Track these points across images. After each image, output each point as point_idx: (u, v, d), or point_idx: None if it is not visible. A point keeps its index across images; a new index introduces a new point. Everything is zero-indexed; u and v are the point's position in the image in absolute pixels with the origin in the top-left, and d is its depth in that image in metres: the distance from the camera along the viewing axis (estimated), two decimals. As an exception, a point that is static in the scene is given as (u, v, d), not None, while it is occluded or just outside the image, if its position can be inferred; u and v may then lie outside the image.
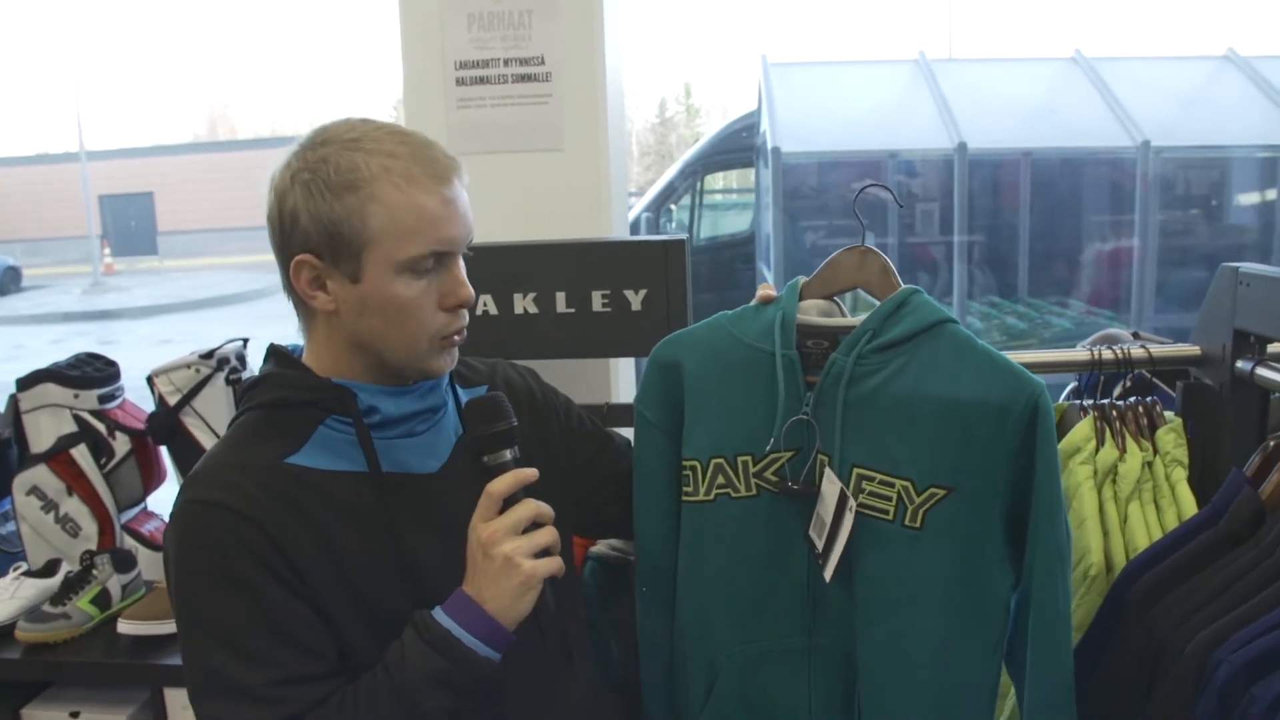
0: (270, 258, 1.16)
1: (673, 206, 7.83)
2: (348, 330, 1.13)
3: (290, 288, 1.14)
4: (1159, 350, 1.51)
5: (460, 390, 1.27)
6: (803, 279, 1.30)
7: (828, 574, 1.18)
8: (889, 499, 1.17)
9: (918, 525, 1.16)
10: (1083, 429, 1.46)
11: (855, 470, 1.19)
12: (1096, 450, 1.44)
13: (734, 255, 7.73)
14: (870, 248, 1.29)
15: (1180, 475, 1.42)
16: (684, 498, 1.29)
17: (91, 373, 2.18)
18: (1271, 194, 6.11)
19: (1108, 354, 1.48)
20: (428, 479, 1.16)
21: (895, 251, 6.34)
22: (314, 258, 1.09)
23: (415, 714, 1.05)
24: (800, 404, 1.21)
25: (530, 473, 1.10)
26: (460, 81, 2.08)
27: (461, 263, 1.14)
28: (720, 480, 1.26)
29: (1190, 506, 1.39)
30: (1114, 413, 1.47)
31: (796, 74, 6.83)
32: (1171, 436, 1.44)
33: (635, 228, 7.02)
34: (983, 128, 5.81)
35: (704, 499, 1.27)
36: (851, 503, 1.16)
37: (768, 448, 1.22)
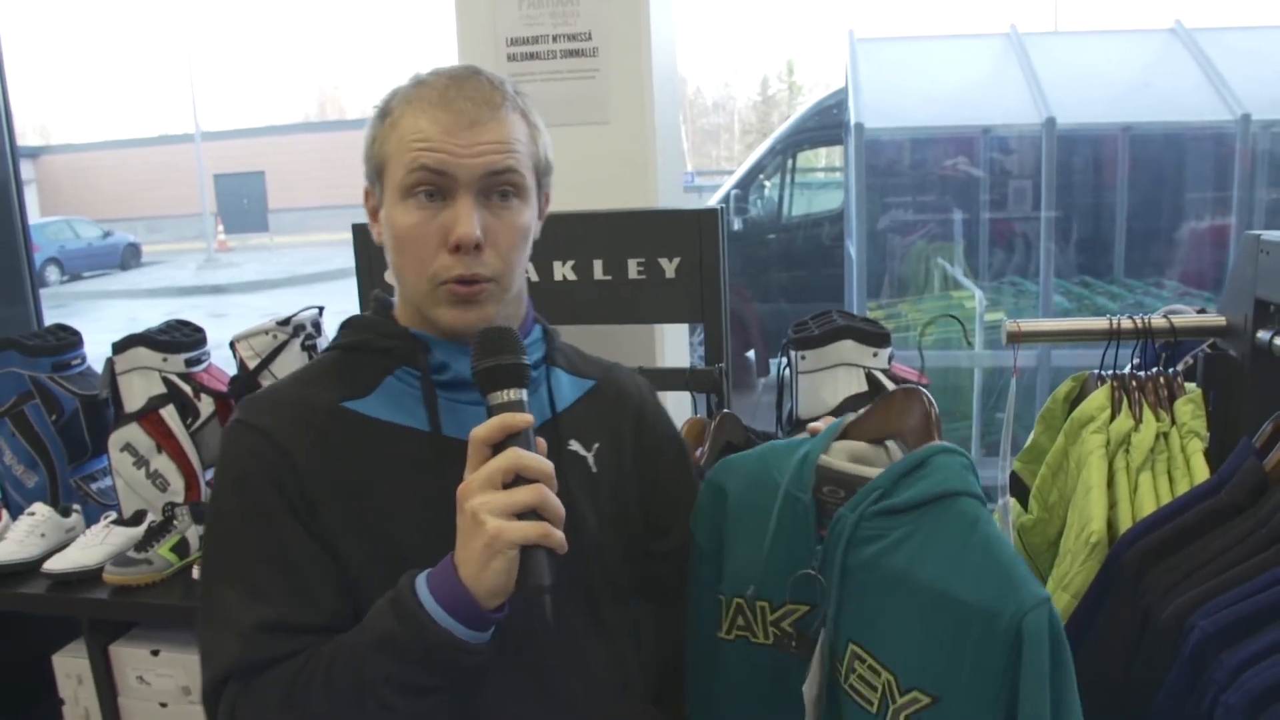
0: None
1: (766, 184, 7.79)
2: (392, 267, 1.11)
3: None
4: (1183, 321, 1.49)
5: (567, 378, 1.21)
6: (850, 417, 1.15)
7: None
8: (875, 688, 1.02)
9: None
10: (1098, 398, 1.45)
11: (850, 645, 1.05)
12: (1111, 419, 1.44)
13: (826, 233, 7.66)
14: (917, 390, 1.11)
15: (1196, 447, 1.40)
16: (716, 631, 1.19)
17: (180, 338, 2.30)
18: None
19: (1126, 323, 1.46)
20: None
21: (986, 228, 6.22)
22: (370, 185, 1.12)
23: (359, 678, 0.94)
24: (811, 556, 1.08)
25: (522, 418, 0.96)
26: (511, 57, 2.15)
27: (470, 202, 1.04)
28: (740, 622, 1.16)
29: (1204, 478, 1.36)
30: (1133, 383, 1.46)
31: (884, 49, 6.70)
32: (1189, 408, 1.42)
33: (724, 204, 7.02)
34: (1075, 102, 5.62)
35: (725, 637, 1.17)
36: (842, 684, 1.05)
37: (746, 593, 1.13)
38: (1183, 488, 1.38)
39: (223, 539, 1.05)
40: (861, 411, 1.14)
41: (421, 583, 0.95)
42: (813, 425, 1.18)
